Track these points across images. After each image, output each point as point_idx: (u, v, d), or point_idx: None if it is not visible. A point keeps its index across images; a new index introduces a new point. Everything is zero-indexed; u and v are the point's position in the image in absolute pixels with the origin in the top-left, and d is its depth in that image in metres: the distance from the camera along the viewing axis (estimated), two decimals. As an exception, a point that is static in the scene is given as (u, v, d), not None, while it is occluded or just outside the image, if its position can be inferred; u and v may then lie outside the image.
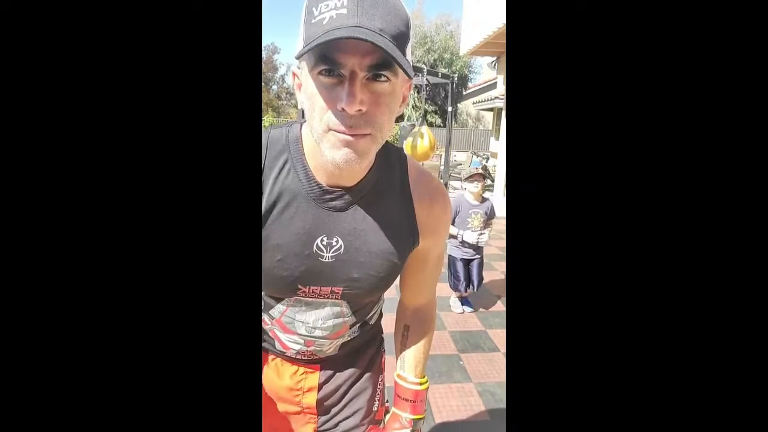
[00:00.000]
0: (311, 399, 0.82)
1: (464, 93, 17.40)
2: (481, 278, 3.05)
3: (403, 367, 0.86)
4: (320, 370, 0.82)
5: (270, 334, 0.79)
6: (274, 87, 23.11)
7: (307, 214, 0.64)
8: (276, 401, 0.83)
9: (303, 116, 0.61)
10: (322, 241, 0.65)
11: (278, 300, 0.73)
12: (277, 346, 0.79)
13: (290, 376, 0.82)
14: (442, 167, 7.26)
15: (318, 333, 0.74)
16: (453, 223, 2.90)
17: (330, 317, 0.73)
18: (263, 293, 0.75)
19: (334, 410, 0.85)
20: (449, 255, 2.99)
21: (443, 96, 14.75)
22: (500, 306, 3.24)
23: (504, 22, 4.75)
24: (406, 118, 6.23)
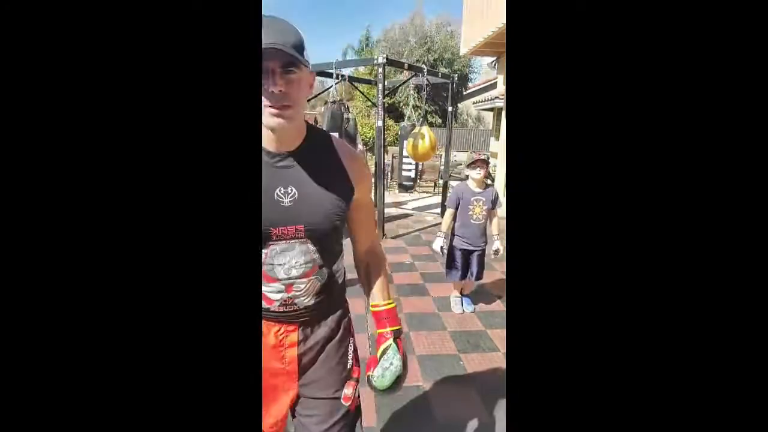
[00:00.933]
0: (293, 353, 0.97)
1: (464, 93, 17.40)
2: (481, 269, 2.98)
3: (374, 298, 1.06)
4: (299, 329, 0.97)
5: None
6: (275, 87, 23.01)
7: (266, 174, 0.84)
8: (264, 362, 0.94)
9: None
10: (279, 191, 0.87)
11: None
12: (264, 305, 0.93)
13: (274, 334, 0.96)
14: (442, 167, 7.26)
15: (294, 272, 0.91)
16: (456, 211, 2.85)
17: (300, 255, 0.91)
18: None
19: (313, 367, 1.00)
20: (450, 245, 2.95)
21: (443, 96, 14.76)
22: (500, 306, 3.24)
23: (504, 22, 4.74)
24: (406, 118, 6.22)
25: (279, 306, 0.93)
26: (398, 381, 0.97)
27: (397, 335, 1.00)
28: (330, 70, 4.94)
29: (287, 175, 0.88)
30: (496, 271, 3.92)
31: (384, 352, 0.98)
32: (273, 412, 0.99)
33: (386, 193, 6.25)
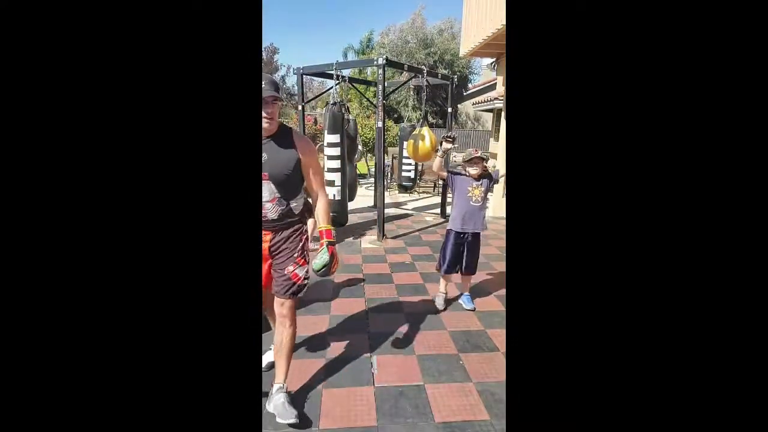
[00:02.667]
0: (266, 246, 1.86)
1: (464, 94, 17.39)
2: (472, 260, 3.01)
3: (318, 222, 1.92)
4: (270, 234, 1.86)
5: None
6: (275, 88, 23.03)
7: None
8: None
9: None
10: (263, 156, 1.72)
11: None
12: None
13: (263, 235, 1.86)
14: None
15: (265, 198, 1.78)
16: (453, 191, 2.91)
17: (266, 190, 1.77)
18: None
19: (276, 254, 1.88)
20: (447, 230, 2.98)
21: (443, 97, 14.75)
22: (500, 306, 3.24)
23: (504, 23, 4.74)
24: (406, 119, 6.21)
25: (263, 218, 1.80)
26: (325, 267, 1.84)
27: (329, 244, 1.87)
28: (330, 71, 4.94)
29: (264, 148, 1.75)
30: (496, 271, 3.92)
31: (320, 252, 1.85)
32: (264, 272, 1.90)
33: (386, 193, 6.25)
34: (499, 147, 6.56)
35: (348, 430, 1.87)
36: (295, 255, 1.89)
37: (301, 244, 1.91)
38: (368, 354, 2.49)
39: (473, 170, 2.82)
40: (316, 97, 8.14)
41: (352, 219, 5.52)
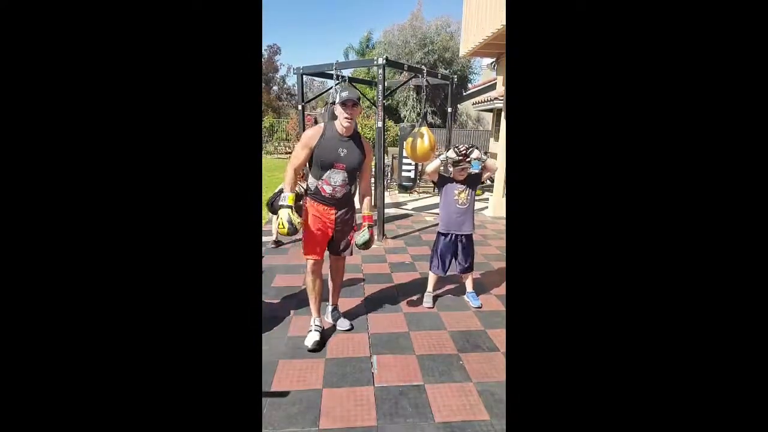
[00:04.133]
0: (332, 218, 2.50)
1: (464, 94, 17.40)
2: (468, 259, 3.11)
3: (363, 210, 2.57)
4: (335, 209, 2.50)
5: (319, 189, 2.44)
6: (275, 88, 23.09)
7: (336, 142, 2.38)
8: (317, 222, 2.49)
9: (331, 119, 2.98)
10: (340, 149, 2.38)
11: (325, 169, 2.40)
12: (321, 193, 2.44)
13: (323, 211, 2.49)
14: (441, 168, 7.25)
15: (338, 182, 2.41)
16: (440, 194, 3.03)
17: (341, 176, 2.41)
18: (313, 170, 2.45)
19: (340, 224, 2.54)
20: (437, 232, 3.06)
21: (443, 97, 14.75)
22: (500, 306, 3.24)
23: (504, 22, 4.74)
24: (406, 119, 6.19)
25: (329, 196, 2.42)
26: (366, 242, 2.53)
27: (370, 227, 2.54)
28: (330, 71, 4.94)
29: (344, 144, 2.35)
30: (495, 270, 3.92)
31: (362, 231, 2.52)
32: (320, 241, 2.52)
33: (386, 193, 6.25)
34: (499, 147, 6.56)
35: (348, 430, 1.87)
36: (353, 224, 2.64)
37: (354, 216, 2.64)
38: (368, 354, 2.49)
39: (459, 176, 2.97)
40: (316, 97, 8.15)
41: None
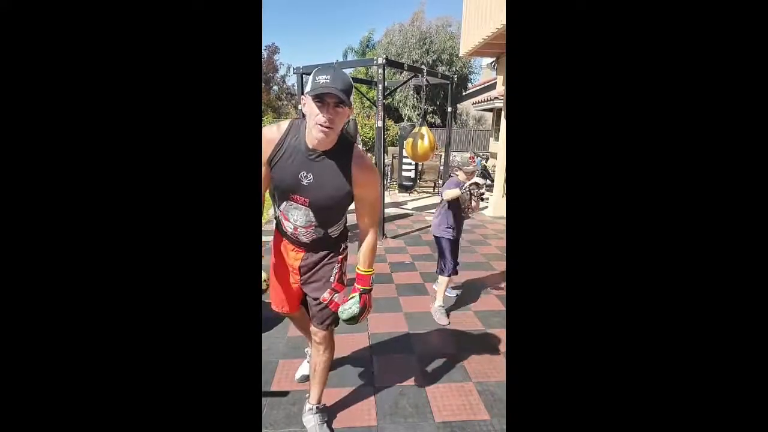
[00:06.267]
0: (298, 263, 1.62)
1: (464, 93, 17.40)
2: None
3: (359, 264, 1.57)
4: (304, 253, 1.62)
5: (280, 219, 1.57)
6: (275, 88, 23.10)
7: (299, 161, 1.37)
8: (280, 263, 1.68)
9: (304, 117, 1.35)
10: (302, 173, 1.38)
11: (282, 201, 1.47)
12: (283, 227, 1.57)
13: (289, 252, 1.64)
14: (442, 167, 7.26)
15: (298, 223, 1.50)
16: (450, 205, 2.94)
17: (303, 216, 1.47)
18: (277, 200, 1.50)
19: (308, 274, 1.64)
20: (440, 237, 3.01)
21: (443, 96, 14.76)
22: (500, 306, 3.24)
23: (504, 22, 4.74)
24: (406, 118, 6.20)
25: (290, 235, 1.57)
26: (353, 318, 1.55)
27: (363, 292, 1.56)
28: (330, 71, 4.93)
29: (312, 166, 1.38)
30: (496, 271, 3.92)
31: (351, 299, 1.57)
32: (292, 294, 1.73)
33: (386, 193, 6.25)
34: (499, 147, 6.56)
35: (348, 430, 1.87)
36: (332, 280, 1.61)
37: (338, 266, 1.63)
38: (368, 354, 2.49)
39: (468, 180, 2.95)
40: (316, 96, 8.12)
41: (352, 219, 5.50)
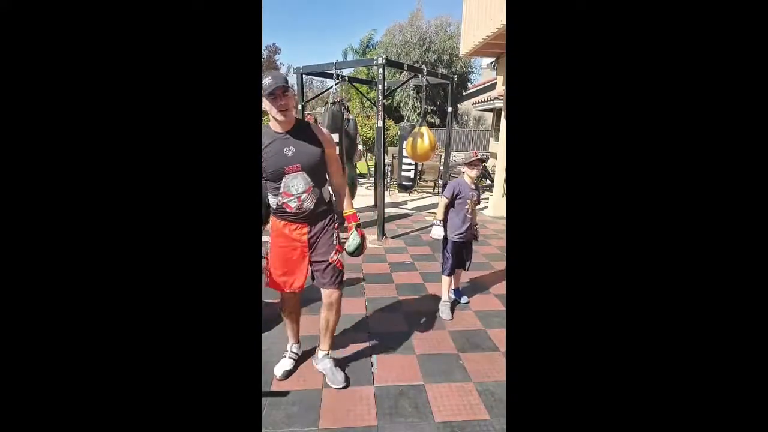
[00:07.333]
0: (305, 238, 1.98)
1: (464, 93, 17.39)
2: (470, 258, 3.14)
3: (344, 208, 2.06)
4: (307, 226, 1.97)
5: (282, 206, 1.91)
6: (274, 87, 23.04)
7: (277, 143, 1.83)
8: (285, 245, 1.98)
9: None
10: (285, 149, 1.83)
11: (278, 180, 1.84)
12: (286, 210, 1.90)
13: (293, 230, 1.97)
14: (442, 167, 7.26)
15: (301, 189, 1.87)
16: (453, 205, 2.95)
17: (302, 181, 1.86)
18: (268, 184, 1.90)
19: (315, 245, 2.00)
20: (444, 239, 3.01)
21: (443, 96, 14.76)
22: (500, 306, 3.24)
23: (504, 22, 4.74)
24: (406, 118, 6.18)
25: (296, 211, 1.91)
26: (358, 248, 2.01)
27: (357, 226, 2.04)
28: (330, 71, 4.94)
29: (288, 141, 1.84)
30: (495, 270, 3.92)
31: (351, 235, 2.02)
32: (301, 268, 2.03)
33: (386, 193, 6.25)
34: (499, 147, 6.56)
35: (348, 430, 1.87)
36: (334, 242, 2.02)
37: (335, 231, 2.04)
38: (368, 354, 2.49)
39: (473, 172, 2.90)
40: (316, 96, 8.16)
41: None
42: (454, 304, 3.14)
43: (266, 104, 1.75)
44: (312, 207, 1.91)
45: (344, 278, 2.10)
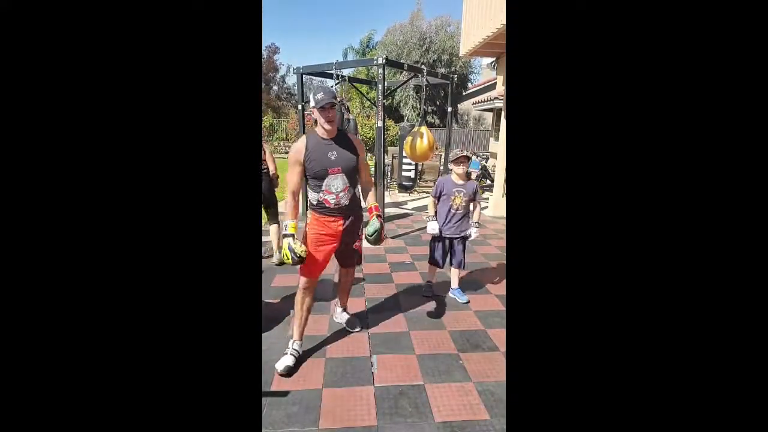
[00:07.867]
0: (340, 229, 2.36)
1: (464, 93, 17.39)
2: (455, 259, 3.24)
3: (368, 202, 2.46)
4: (342, 219, 2.36)
5: (322, 202, 2.29)
6: (275, 88, 23.08)
7: (324, 147, 2.24)
8: (323, 237, 2.35)
9: (316, 123, 2.28)
10: (330, 153, 2.23)
11: (322, 179, 2.24)
12: (325, 206, 2.30)
13: (331, 225, 2.34)
14: (441, 167, 7.25)
15: (339, 188, 2.27)
16: (438, 201, 3.13)
17: (341, 181, 2.26)
18: (310, 182, 2.30)
19: (346, 236, 2.41)
20: (432, 237, 3.16)
21: (443, 96, 14.75)
22: (500, 306, 3.24)
23: (504, 22, 4.73)
24: (405, 118, 6.19)
25: (334, 206, 2.29)
26: (376, 232, 2.37)
27: (377, 216, 2.39)
28: (330, 71, 4.94)
29: (332, 147, 2.22)
30: (495, 270, 3.92)
31: (372, 221, 2.35)
32: (324, 260, 2.38)
33: (386, 193, 6.25)
34: (499, 147, 6.56)
35: (348, 430, 1.87)
36: (359, 234, 2.52)
37: (360, 224, 2.50)
38: (368, 354, 2.49)
39: (459, 169, 3.01)
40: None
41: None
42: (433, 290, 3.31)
43: (315, 114, 2.17)
44: (347, 203, 2.30)
45: None
